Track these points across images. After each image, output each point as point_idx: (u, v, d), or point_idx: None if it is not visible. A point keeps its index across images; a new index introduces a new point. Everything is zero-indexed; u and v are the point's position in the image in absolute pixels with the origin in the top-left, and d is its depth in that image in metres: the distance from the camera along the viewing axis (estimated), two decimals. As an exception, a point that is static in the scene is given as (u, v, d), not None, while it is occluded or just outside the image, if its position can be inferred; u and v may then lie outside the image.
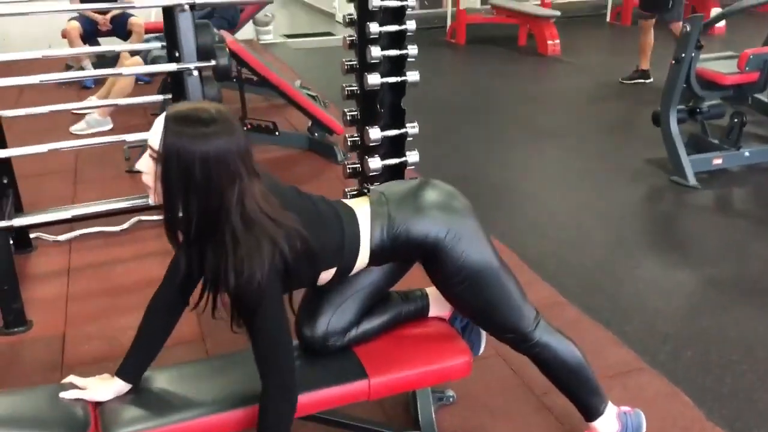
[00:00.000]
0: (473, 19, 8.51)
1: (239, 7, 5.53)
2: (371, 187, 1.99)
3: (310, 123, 4.79)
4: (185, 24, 2.89)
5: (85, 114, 5.11)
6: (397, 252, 1.83)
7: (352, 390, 1.81)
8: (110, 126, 5.18)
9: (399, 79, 3.31)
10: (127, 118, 5.21)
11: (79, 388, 1.71)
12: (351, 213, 1.82)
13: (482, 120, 5.73)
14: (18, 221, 2.88)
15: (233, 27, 5.56)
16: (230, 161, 1.48)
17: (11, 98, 5.68)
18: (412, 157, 3.45)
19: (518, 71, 7.40)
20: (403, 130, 3.41)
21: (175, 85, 3.25)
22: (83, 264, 3.40)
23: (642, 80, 6.51)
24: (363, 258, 1.81)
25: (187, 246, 1.59)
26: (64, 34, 6.16)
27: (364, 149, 3.45)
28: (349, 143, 3.56)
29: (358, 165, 3.47)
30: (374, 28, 3.21)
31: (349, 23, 3.43)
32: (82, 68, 6.29)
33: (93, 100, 5.08)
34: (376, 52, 3.23)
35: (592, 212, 4.01)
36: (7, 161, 3.25)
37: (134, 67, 4.95)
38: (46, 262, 3.44)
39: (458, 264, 1.80)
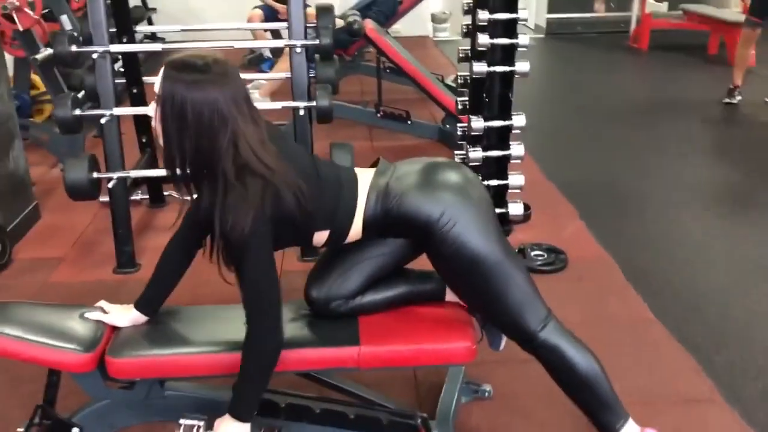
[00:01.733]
0: (659, 24, 7.96)
1: (397, 0, 5.67)
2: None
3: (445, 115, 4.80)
4: (297, 3, 3.04)
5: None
6: (390, 226, 1.79)
7: (341, 354, 1.81)
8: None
9: (506, 68, 3.23)
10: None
11: (105, 312, 1.90)
12: (352, 180, 1.82)
13: (645, 128, 5.33)
14: (135, 173, 3.21)
15: (389, 19, 5.70)
16: (222, 106, 1.55)
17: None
18: (517, 150, 3.34)
19: (702, 81, 6.79)
20: (508, 122, 3.31)
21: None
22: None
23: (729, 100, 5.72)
24: (357, 226, 1.80)
25: (186, 187, 1.69)
26: (249, 19, 6.69)
27: (469, 139, 3.41)
28: (458, 133, 3.54)
29: (465, 155, 3.43)
30: (483, 15, 3.15)
31: (466, 11, 3.41)
32: (262, 56, 6.81)
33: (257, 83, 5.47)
34: (483, 39, 3.18)
35: (723, 237, 3.60)
36: (148, 122, 3.64)
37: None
38: (169, 217, 3.77)
39: (451, 250, 1.72)
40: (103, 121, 2.98)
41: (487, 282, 1.76)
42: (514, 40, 3.20)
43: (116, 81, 3.16)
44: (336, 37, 5.11)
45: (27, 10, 4.02)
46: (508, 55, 3.24)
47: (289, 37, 3.07)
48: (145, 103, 3.52)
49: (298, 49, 3.04)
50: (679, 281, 3.10)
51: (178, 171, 1.64)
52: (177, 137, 1.58)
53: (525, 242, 3.34)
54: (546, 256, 3.21)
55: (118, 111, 3.03)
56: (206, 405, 1.93)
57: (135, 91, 3.51)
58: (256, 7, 6.71)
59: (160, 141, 1.65)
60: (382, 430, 1.96)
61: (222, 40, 3.22)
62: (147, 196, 3.88)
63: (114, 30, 3.29)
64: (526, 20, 3.22)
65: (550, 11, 8.84)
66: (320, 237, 1.81)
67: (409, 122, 4.75)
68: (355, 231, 1.80)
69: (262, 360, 1.65)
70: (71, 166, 2.93)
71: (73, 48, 2.93)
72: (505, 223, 3.45)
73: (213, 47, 2.95)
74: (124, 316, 1.89)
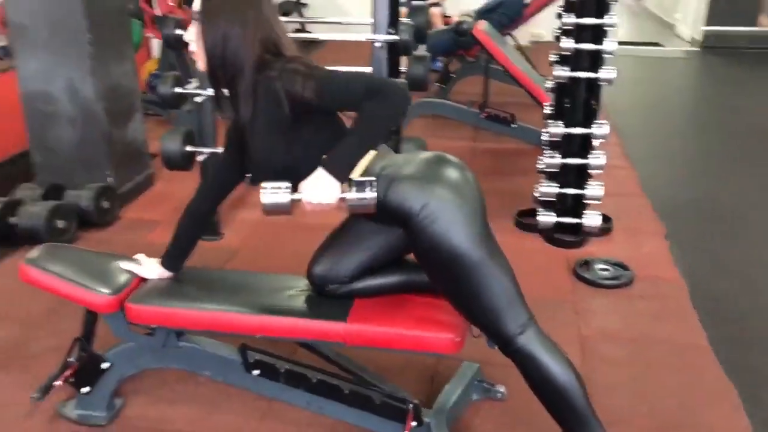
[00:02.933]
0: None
1: (524, 3, 5.61)
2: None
3: (551, 120, 4.71)
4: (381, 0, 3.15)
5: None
6: (377, 212, 1.84)
7: (327, 328, 1.90)
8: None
9: (590, 74, 3.15)
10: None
11: (138, 264, 2.13)
12: None
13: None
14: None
15: (514, 22, 5.67)
16: (249, 16, 1.75)
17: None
18: (596, 159, 3.25)
19: None
20: (587, 130, 3.23)
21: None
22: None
23: None
24: None
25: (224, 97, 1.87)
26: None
27: (550, 144, 3.36)
28: (542, 138, 3.50)
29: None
30: (568, 18, 3.10)
31: (558, 15, 3.36)
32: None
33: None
34: (566, 43, 3.13)
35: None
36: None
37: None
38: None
39: (429, 244, 1.75)
40: (198, 99, 3.27)
41: (464, 282, 1.77)
42: (599, 46, 3.11)
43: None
44: (447, 37, 5.24)
45: (165, -5, 4.47)
46: (594, 61, 3.16)
47: (373, 32, 3.19)
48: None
49: (378, 44, 3.15)
50: (749, 312, 2.88)
51: (220, 85, 1.83)
52: (215, 51, 1.76)
53: (595, 255, 3.24)
54: (611, 270, 3.10)
55: (212, 92, 3.30)
56: (218, 362, 2.12)
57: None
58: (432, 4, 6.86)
59: (199, 62, 1.82)
60: (373, 409, 2.04)
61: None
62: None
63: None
64: (614, 26, 3.12)
65: (707, 23, 8.30)
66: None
67: (513, 125, 4.71)
68: None
69: (390, 107, 1.71)
70: (168, 138, 3.25)
71: (177, 31, 3.24)
72: (579, 233, 3.37)
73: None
74: (154, 269, 2.11)
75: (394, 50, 3.23)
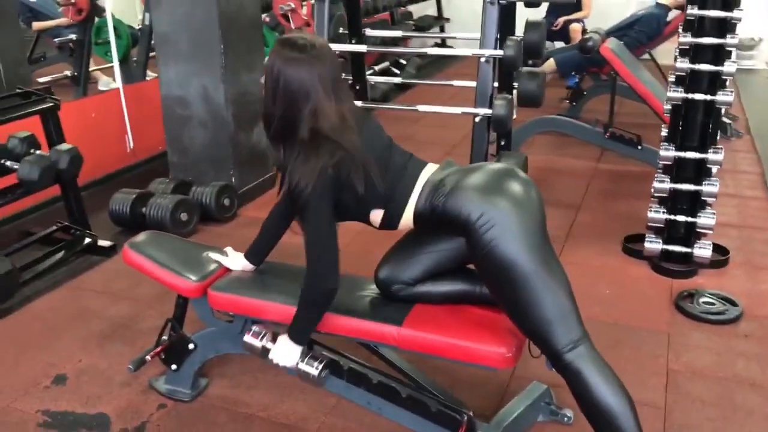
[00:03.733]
0: None
1: (664, 20, 5.36)
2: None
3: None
4: (490, 16, 3.18)
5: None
6: (437, 221, 1.88)
7: (382, 330, 1.96)
8: (515, 116, 5.71)
9: (704, 96, 2.99)
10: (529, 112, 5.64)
11: (225, 256, 2.31)
12: (416, 170, 1.95)
13: None
14: None
15: (652, 40, 5.43)
16: (307, 82, 1.81)
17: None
18: (709, 186, 3.08)
19: None
20: (702, 155, 3.06)
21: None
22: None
23: None
24: (408, 215, 1.93)
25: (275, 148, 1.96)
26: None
27: (663, 168, 3.23)
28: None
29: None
30: (685, 38, 2.97)
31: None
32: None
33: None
34: (681, 63, 2.99)
35: None
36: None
37: (546, 66, 5.39)
38: None
39: (483, 252, 1.77)
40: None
41: (517, 291, 1.78)
42: (718, 68, 2.95)
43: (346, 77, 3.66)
44: (574, 54, 5.11)
45: (299, 11, 4.74)
46: (712, 82, 3.00)
47: (480, 47, 3.22)
48: (365, 99, 3.97)
49: (483, 59, 3.18)
50: None
51: (271, 132, 1.93)
52: (271, 102, 1.88)
53: (703, 288, 3.06)
54: (716, 305, 2.92)
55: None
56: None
57: (357, 87, 3.96)
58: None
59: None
60: (427, 416, 2.08)
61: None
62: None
63: (346, 32, 3.77)
64: (736, 46, 2.94)
65: None
66: (375, 216, 1.98)
67: (639, 147, 4.53)
68: (406, 219, 1.95)
69: (316, 297, 1.90)
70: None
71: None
72: (689, 263, 3.20)
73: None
74: (238, 261, 2.28)
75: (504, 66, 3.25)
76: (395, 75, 6.89)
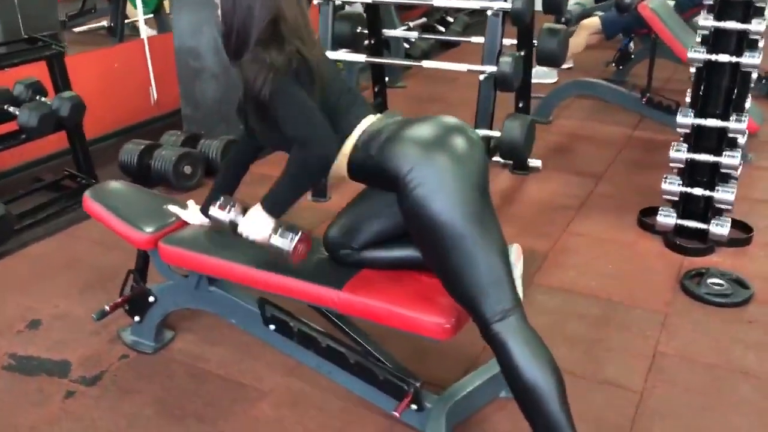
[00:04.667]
0: None
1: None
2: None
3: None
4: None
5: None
6: (370, 173, 1.76)
7: (322, 293, 1.87)
8: (555, 79, 5.44)
9: (728, 58, 2.72)
10: (570, 74, 5.37)
11: (184, 209, 2.25)
12: (358, 116, 1.83)
13: None
14: None
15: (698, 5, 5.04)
16: None
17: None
18: (729, 158, 2.82)
19: None
20: (722, 123, 2.81)
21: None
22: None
23: None
24: (341, 161, 1.81)
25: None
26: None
27: (684, 137, 2.98)
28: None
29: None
30: (709, -9, 2.70)
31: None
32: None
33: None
34: (704, 21, 2.73)
35: None
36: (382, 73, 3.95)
37: (589, 25, 5.08)
38: None
39: (413, 210, 1.65)
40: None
41: (447, 254, 1.65)
42: (745, 26, 2.67)
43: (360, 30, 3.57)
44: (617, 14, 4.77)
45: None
46: (738, 43, 2.73)
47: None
48: (380, 55, 3.83)
49: (490, 12, 2.99)
50: None
51: (231, 49, 1.82)
52: (231, 16, 1.77)
53: (716, 267, 2.83)
54: (725, 286, 2.69)
55: (329, 55, 3.37)
56: (242, 311, 2.18)
57: (372, 41, 3.81)
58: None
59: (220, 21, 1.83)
60: (374, 383, 1.99)
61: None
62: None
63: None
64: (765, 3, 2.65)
65: None
66: None
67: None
68: (339, 166, 1.82)
69: (311, 164, 1.73)
70: None
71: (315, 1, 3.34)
72: (705, 240, 2.96)
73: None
74: (197, 216, 2.21)
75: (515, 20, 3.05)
76: (439, 32, 6.67)
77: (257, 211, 1.82)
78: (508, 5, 2.95)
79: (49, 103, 3.26)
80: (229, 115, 3.88)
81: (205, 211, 2.17)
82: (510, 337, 1.64)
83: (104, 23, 5.86)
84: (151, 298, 2.32)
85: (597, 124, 4.64)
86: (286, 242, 1.80)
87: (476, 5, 3.14)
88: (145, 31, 4.58)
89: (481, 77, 3.05)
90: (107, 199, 2.25)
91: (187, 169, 3.59)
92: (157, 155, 3.60)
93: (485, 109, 3.12)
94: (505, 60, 2.97)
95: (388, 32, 4.15)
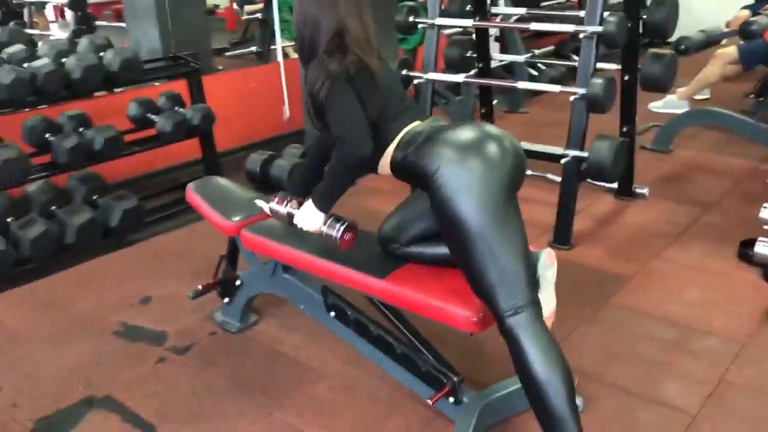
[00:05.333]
0: None
1: None
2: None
3: None
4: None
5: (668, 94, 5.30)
6: (408, 171, 1.90)
7: (368, 281, 2.04)
8: (687, 109, 5.26)
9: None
10: (705, 106, 5.16)
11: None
12: (406, 121, 1.97)
13: None
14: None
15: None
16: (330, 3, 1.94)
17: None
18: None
19: None
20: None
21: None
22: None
23: None
24: (386, 160, 1.96)
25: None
26: (729, 24, 6.18)
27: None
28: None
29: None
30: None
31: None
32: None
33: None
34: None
35: None
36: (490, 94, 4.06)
37: (725, 54, 4.89)
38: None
39: (440, 207, 1.78)
40: (415, 82, 3.55)
41: (467, 250, 1.76)
42: None
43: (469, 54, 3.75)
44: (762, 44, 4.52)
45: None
46: None
47: (585, 22, 3.08)
48: (487, 76, 3.96)
49: (585, 35, 3.03)
50: None
51: (304, 53, 2.04)
52: (302, 27, 2.01)
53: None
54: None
55: (431, 75, 3.56)
56: (309, 298, 2.39)
57: (481, 64, 3.96)
58: (744, 8, 6.14)
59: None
60: (417, 374, 2.12)
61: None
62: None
63: (470, 8, 3.79)
64: None
65: None
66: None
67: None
68: (384, 164, 1.98)
69: (350, 161, 1.90)
70: None
71: (410, 18, 3.56)
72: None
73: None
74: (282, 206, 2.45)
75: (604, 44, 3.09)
76: (569, 59, 6.64)
77: (309, 206, 2.03)
78: (600, 28, 2.99)
79: (183, 112, 3.71)
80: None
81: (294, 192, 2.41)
82: (522, 332, 1.72)
83: (252, 48, 6.45)
84: (238, 282, 2.60)
85: (719, 156, 4.44)
86: (333, 231, 2.01)
87: (570, 29, 3.19)
88: (283, 55, 5.01)
89: (572, 98, 3.10)
90: (206, 191, 2.57)
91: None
92: (275, 164, 3.94)
93: (577, 130, 3.16)
94: (596, 82, 3.00)
95: (498, 57, 4.26)
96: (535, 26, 3.45)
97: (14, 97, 3.10)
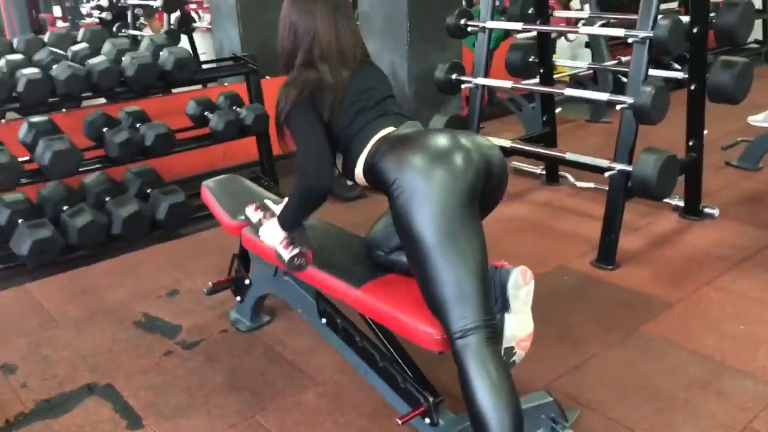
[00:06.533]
0: None
1: None
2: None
3: None
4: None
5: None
6: (374, 179, 1.82)
7: (343, 289, 1.96)
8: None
9: None
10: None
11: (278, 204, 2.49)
12: (380, 127, 1.89)
13: None
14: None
15: None
16: (309, 16, 1.92)
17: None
18: None
19: None
20: None
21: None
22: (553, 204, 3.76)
23: None
24: (359, 168, 1.88)
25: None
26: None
27: None
28: None
29: None
30: None
31: None
32: None
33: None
34: None
35: None
36: (551, 102, 3.87)
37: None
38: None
39: (396, 216, 1.72)
40: (463, 86, 3.44)
41: (419, 263, 1.67)
42: None
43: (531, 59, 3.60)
44: None
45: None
46: None
47: (638, 27, 2.85)
48: (551, 85, 3.78)
49: (637, 39, 2.81)
50: None
51: (283, 62, 2.03)
52: (282, 40, 2.00)
53: None
54: None
55: (480, 81, 3.43)
56: (305, 302, 2.35)
57: (542, 70, 3.77)
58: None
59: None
60: (394, 388, 2.04)
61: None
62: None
63: (532, 11, 3.62)
64: None
65: None
66: (340, 161, 1.97)
67: None
68: (358, 172, 1.91)
69: (304, 193, 1.90)
70: (439, 68, 3.52)
71: (462, 21, 3.44)
72: None
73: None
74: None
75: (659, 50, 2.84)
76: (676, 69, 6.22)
77: (274, 221, 2.03)
78: (652, 33, 2.76)
79: (238, 111, 3.78)
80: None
81: None
82: (469, 356, 1.60)
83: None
84: (247, 281, 2.61)
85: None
86: (284, 253, 2.00)
87: (619, 33, 2.96)
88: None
89: (618, 107, 2.88)
90: (219, 190, 2.60)
91: (349, 182, 3.87)
92: (328, 166, 3.94)
93: (625, 141, 2.93)
94: (645, 90, 2.76)
95: (562, 63, 4.05)
96: (584, 30, 3.23)
97: (70, 91, 3.27)
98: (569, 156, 3.21)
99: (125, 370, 2.48)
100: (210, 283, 2.65)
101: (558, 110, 4.12)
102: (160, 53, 3.59)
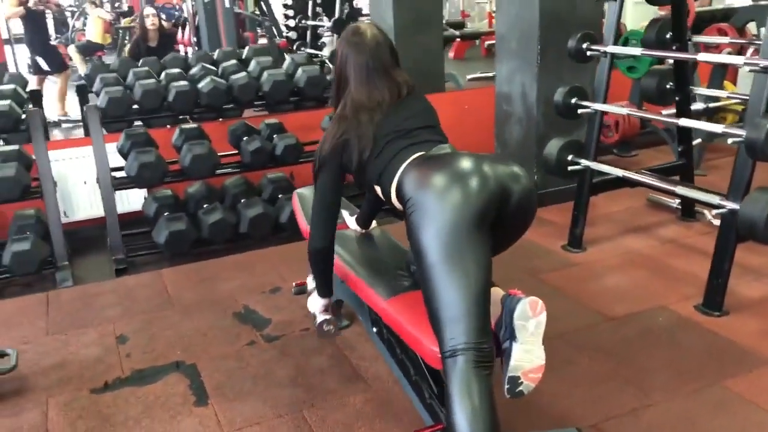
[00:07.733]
0: None
1: None
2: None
3: None
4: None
5: None
6: (401, 199, 1.85)
7: (374, 298, 2.06)
8: None
9: None
10: None
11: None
12: (412, 152, 1.91)
13: None
14: (597, 166, 3.38)
15: None
16: (348, 65, 2.03)
17: None
18: None
19: None
20: None
21: None
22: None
23: None
24: (393, 197, 1.91)
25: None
26: None
27: None
28: None
29: None
30: None
31: None
32: None
33: None
34: None
35: None
36: (689, 132, 3.62)
37: None
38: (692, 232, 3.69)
39: (407, 232, 1.77)
40: (579, 112, 3.34)
41: (423, 278, 1.73)
42: None
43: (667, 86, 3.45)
44: None
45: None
46: None
47: (762, 54, 2.61)
48: (688, 113, 3.55)
49: (757, 67, 2.57)
50: None
51: (332, 97, 2.17)
52: (334, 77, 2.15)
53: None
54: None
55: (599, 106, 3.31)
56: (362, 308, 2.46)
57: (678, 98, 3.55)
58: None
59: None
60: (422, 402, 2.09)
61: None
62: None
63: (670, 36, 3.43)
64: None
65: None
66: (377, 190, 2.03)
67: None
68: (394, 200, 1.95)
69: (310, 255, 2.13)
70: (559, 92, 3.47)
71: (584, 45, 3.35)
72: None
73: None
74: (353, 223, 2.57)
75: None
76: None
77: (314, 294, 2.29)
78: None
79: (266, 140, 3.95)
80: (525, 159, 4.09)
81: (359, 220, 2.54)
82: (454, 377, 1.63)
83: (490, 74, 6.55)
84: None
85: None
86: (318, 317, 2.32)
87: (740, 61, 2.72)
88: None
89: (730, 141, 2.65)
90: (304, 197, 2.79)
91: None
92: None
93: (739, 178, 2.68)
94: (761, 122, 2.52)
95: (698, 90, 3.76)
96: (702, 57, 2.99)
97: (212, 102, 3.67)
98: (679, 190, 2.99)
99: (211, 353, 2.75)
100: (294, 284, 2.85)
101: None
102: (297, 71, 3.89)
